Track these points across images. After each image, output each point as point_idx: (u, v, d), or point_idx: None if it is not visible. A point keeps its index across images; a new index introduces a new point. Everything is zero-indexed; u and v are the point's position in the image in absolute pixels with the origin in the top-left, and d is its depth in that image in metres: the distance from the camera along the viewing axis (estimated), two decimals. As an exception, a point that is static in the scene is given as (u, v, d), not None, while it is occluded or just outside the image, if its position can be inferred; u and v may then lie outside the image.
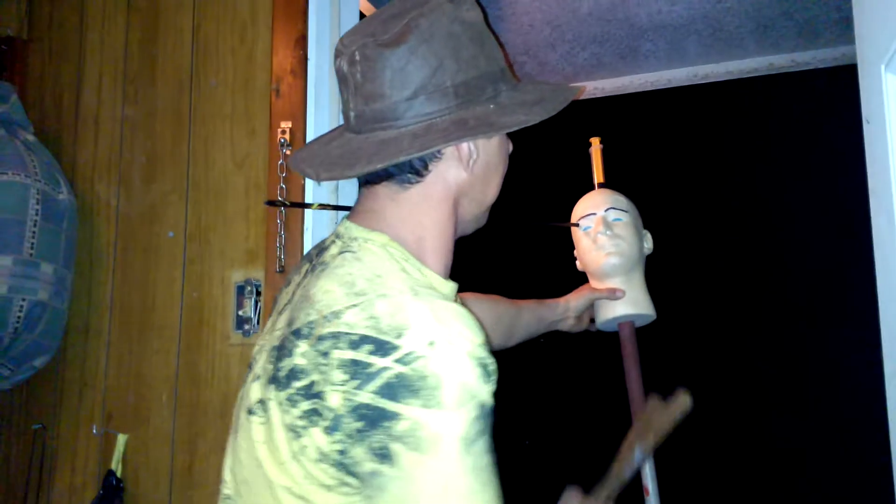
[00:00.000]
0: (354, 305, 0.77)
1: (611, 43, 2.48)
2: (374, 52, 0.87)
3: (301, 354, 0.78)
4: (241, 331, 1.60)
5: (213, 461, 1.57)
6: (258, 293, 1.60)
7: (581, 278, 1.83)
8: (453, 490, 0.72)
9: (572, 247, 1.83)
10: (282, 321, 0.87)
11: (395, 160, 0.85)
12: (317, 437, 0.75)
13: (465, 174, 0.91)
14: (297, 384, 0.77)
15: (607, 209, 1.73)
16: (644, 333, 1.78)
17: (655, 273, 1.81)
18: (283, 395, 0.78)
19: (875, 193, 1.17)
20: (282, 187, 1.60)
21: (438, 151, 0.89)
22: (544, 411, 3.14)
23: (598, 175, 1.86)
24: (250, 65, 1.71)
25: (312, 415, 0.75)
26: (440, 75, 0.87)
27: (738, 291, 2.90)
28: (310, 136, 1.63)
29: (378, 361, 0.73)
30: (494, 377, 0.78)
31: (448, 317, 0.76)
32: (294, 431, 0.76)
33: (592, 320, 1.77)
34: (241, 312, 1.60)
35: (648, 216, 1.86)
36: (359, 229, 0.90)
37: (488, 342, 0.80)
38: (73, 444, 1.72)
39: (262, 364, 0.86)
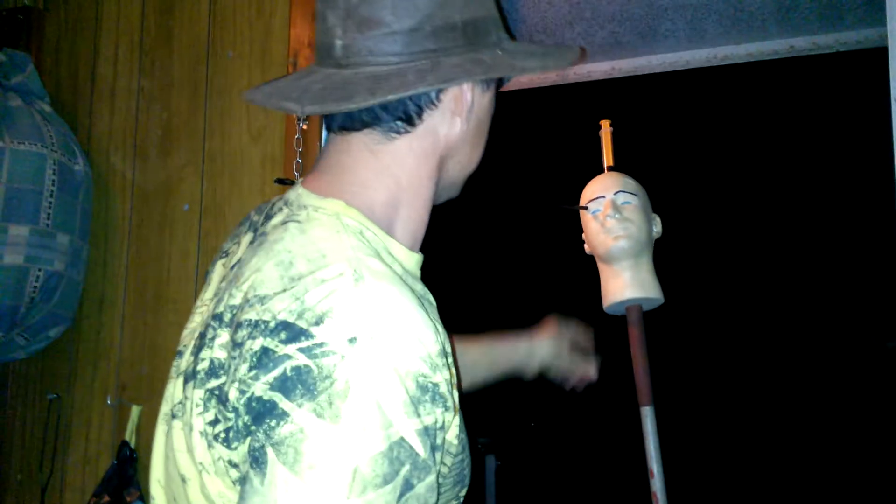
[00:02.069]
0: (285, 291, 0.63)
1: (630, 22, 2.45)
2: None
3: (221, 346, 0.66)
4: (255, 305, 1.60)
5: (226, 434, 1.58)
6: (273, 268, 1.59)
7: (588, 264, 1.82)
8: None
9: (581, 230, 1.82)
10: (211, 303, 0.75)
11: (408, 92, 0.71)
12: (223, 451, 0.63)
13: (459, 127, 0.78)
14: (213, 383, 0.65)
15: (616, 192, 1.73)
16: (651, 318, 1.78)
17: (664, 257, 1.80)
18: (199, 394, 0.66)
19: (902, 177, 1.16)
20: (298, 161, 1.59)
21: (436, 98, 0.76)
22: (550, 394, 3.15)
23: (607, 158, 1.86)
24: (268, 37, 1.69)
25: (218, 423, 0.63)
26: (449, 8, 0.74)
27: (749, 277, 2.89)
28: (327, 111, 1.61)
29: (285, 348, 0.59)
30: (442, 406, 0.61)
31: (389, 315, 0.61)
32: (207, 440, 0.64)
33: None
34: (256, 287, 1.60)
35: (660, 199, 1.85)
36: (310, 196, 0.75)
37: (447, 354, 0.64)
38: (88, 414, 1.73)
39: (187, 354, 0.74)
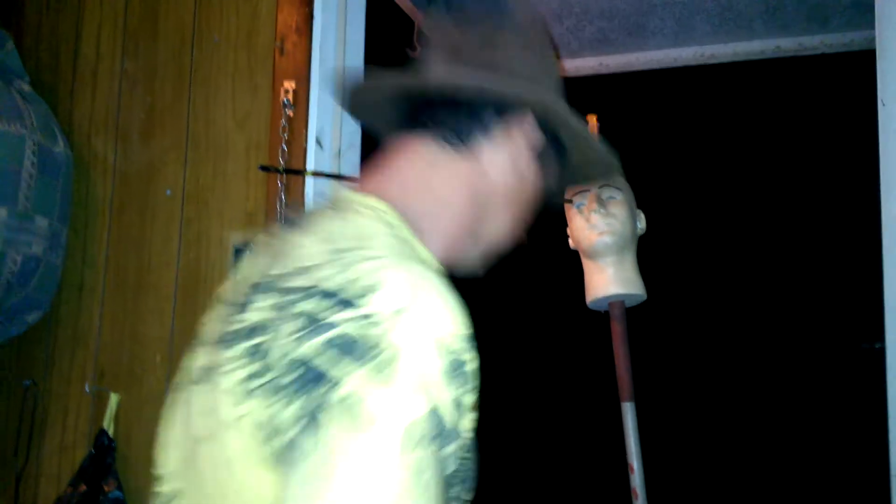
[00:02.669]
0: (332, 262, 0.67)
1: (619, 18, 2.45)
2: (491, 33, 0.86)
3: (259, 309, 0.68)
4: (238, 293, 1.58)
5: (206, 423, 1.56)
6: (257, 256, 1.58)
7: (572, 259, 1.82)
8: (380, 480, 0.58)
9: (565, 224, 1.82)
10: (241, 283, 0.77)
11: (474, 82, 0.80)
12: (255, 406, 0.64)
13: (502, 169, 0.84)
14: (248, 343, 0.67)
15: (601, 187, 1.73)
16: (634, 314, 1.78)
17: (648, 253, 1.81)
18: (234, 352, 0.68)
19: (887, 178, 1.17)
20: (283, 149, 1.58)
21: (490, 125, 0.82)
22: (531, 388, 3.16)
23: (593, 153, 1.85)
24: (254, 21, 1.67)
25: (255, 377, 0.65)
26: (531, 76, 0.85)
27: (731, 275, 2.91)
28: (314, 97, 1.60)
29: (331, 316, 0.62)
30: (468, 385, 0.65)
31: (431, 292, 0.65)
32: (236, 397, 0.66)
33: None
34: (238, 275, 1.58)
35: (646, 196, 1.85)
36: (353, 194, 0.79)
37: (474, 340, 0.67)
38: (65, 401, 1.70)
39: (216, 324, 0.76)
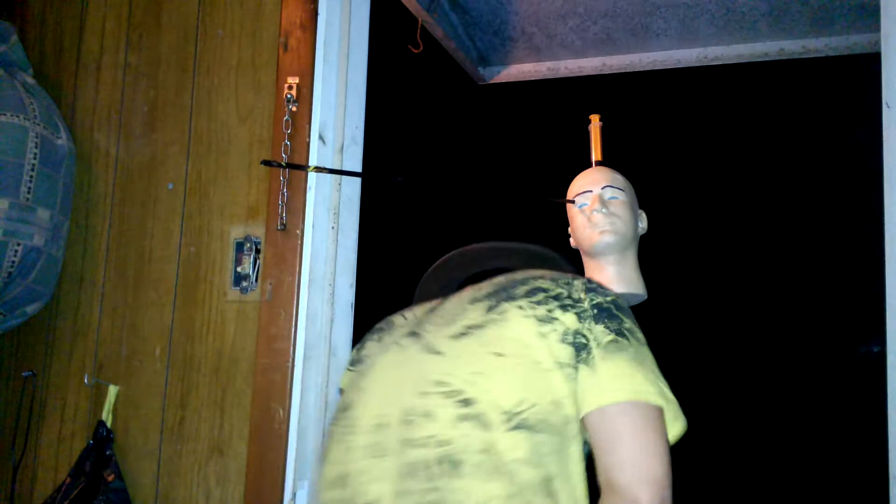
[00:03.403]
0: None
1: (622, 18, 2.45)
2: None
3: (539, 279, 1.09)
4: (238, 287, 1.58)
5: (205, 416, 1.56)
6: (258, 250, 1.58)
7: (573, 258, 1.82)
8: (654, 376, 1.03)
9: (567, 223, 1.82)
10: (463, 303, 1.15)
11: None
12: (566, 319, 1.03)
13: None
14: (539, 296, 1.06)
15: (604, 187, 1.73)
16: (634, 313, 1.78)
17: (649, 253, 1.81)
18: (525, 301, 1.06)
19: (890, 181, 1.16)
20: (286, 144, 1.58)
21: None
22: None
23: (595, 152, 1.85)
24: (258, 17, 1.67)
25: (563, 308, 1.04)
26: None
27: (733, 275, 2.91)
28: (318, 93, 1.60)
29: (597, 293, 1.08)
30: None
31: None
32: (542, 320, 1.03)
33: None
34: (239, 269, 1.58)
35: (648, 196, 1.85)
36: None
37: None
38: (64, 392, 1.70)
39: (439, 318, 1.14)
